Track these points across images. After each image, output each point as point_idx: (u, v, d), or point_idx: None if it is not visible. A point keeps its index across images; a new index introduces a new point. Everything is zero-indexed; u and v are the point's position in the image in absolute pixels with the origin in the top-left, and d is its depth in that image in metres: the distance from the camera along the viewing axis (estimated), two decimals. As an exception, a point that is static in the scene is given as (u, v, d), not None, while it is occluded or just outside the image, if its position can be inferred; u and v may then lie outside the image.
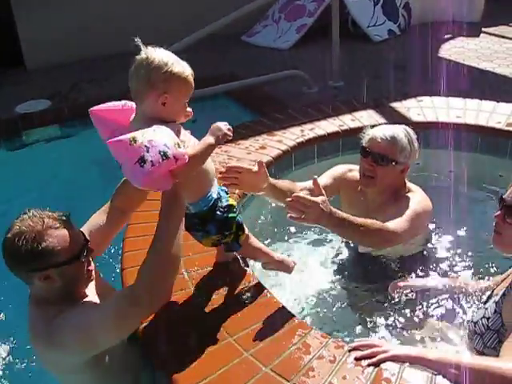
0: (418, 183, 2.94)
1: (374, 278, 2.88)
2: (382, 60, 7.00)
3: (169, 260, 1.94)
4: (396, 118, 4.12)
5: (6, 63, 7.15)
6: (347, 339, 2.21)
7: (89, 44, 7.46)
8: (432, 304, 2.64)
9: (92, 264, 2.09)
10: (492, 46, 7.61)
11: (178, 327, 2.23)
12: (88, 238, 2.06)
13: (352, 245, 3.09)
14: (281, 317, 2.26)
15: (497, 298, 2.18)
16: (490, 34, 8.19)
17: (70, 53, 7.39)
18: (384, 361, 1.98)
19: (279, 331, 2.17)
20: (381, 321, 2.64)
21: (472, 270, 2.92)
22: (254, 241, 2.46)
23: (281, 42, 7.88)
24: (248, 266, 2.57)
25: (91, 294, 2.13)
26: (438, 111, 4.22)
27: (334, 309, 2.78)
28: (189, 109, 2.05)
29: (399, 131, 2.78)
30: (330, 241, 3.27)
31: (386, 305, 2.71)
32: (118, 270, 2.66)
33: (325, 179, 3.01)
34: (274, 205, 3.20)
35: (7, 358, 3.01)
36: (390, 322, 2.63)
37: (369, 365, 1.97)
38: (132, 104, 2.06)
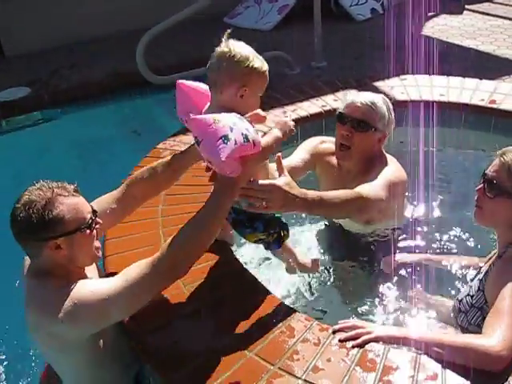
0: (403, 162, 2.91)
1: (357, 256, 2.87)
2: (365, 39, 6.96)
3: (201, 245, 1.97)
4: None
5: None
6: (330, 321, 2.19)
7: (69, 30, 7.36)
8: (419, 280, 2.65)
9: (98, 242, 2.09)
10: (475, 24, 7.60)
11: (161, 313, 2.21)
12: (96, 210, 2.07)
13: (337, 223, 3.05)
14: (265, 300, 2.23)
15: (481, 276, 2.19)
16: (473, 11, 8.18)
17: (49, 39, 7.30)
18: (368, 342, 1.97)
19: (263, 315, 2.15)
20: (366, 300, 2.64)
21: (456, 245, 2.94)
22: (289, 243, 2.46)
23: (262, 23, 7.82)
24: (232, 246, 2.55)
25: (94, 275, 2.16)
26: (421, 89, 4.20)
27: (319, 290, 2.77)
28: (262, 113, 2.07)
29: (378, 98, 2.73)
30: (313, 219, 3.24)
31: (370, 284, 2.72)
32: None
33: (300, 154, 2.96)
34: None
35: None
36: (374, 300, 2.63)
37: (353, 346, 1.96)
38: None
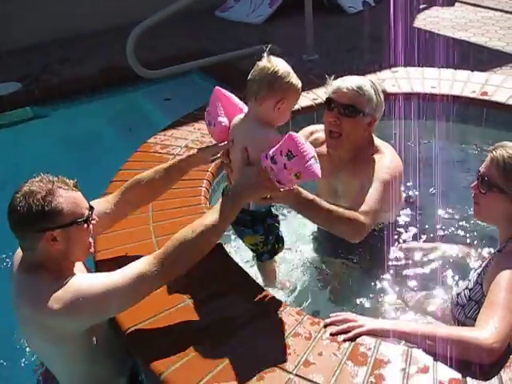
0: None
1: (351, 251, 2.85)
2: (357, 32, 6.91)
3: (205, 247, 2.03)
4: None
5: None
6: (322, 315, 2.18)
7: (61, 25, 7.31)
8: (414, 275, 2.67)
9: (92, 239, 2.12)
10: (467, 15, 7.59)
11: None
12: (93, 206, 2.10)
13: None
14: (256, 294, 2.22)
15: (479, 270, 2.19)
16: (464, 2, 8.17)
17: (40, 34, 7.25)
18: (360, 335, 1.96)
19: (254, 309, 2.14)
20: (359, 295, 2.63)
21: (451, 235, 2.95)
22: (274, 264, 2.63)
23: (254, 16, 7.79)
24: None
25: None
26: (412, 82, 4.19)
27: (311, 285, 2.77)
28: None
29: (365, 81, 2.68)
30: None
31: (363, 278, 2.72)
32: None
33: None
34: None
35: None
36: (367, 295, 2.63)
37: (345, 340, 1.95)
38: (244, 107, 2.31)
